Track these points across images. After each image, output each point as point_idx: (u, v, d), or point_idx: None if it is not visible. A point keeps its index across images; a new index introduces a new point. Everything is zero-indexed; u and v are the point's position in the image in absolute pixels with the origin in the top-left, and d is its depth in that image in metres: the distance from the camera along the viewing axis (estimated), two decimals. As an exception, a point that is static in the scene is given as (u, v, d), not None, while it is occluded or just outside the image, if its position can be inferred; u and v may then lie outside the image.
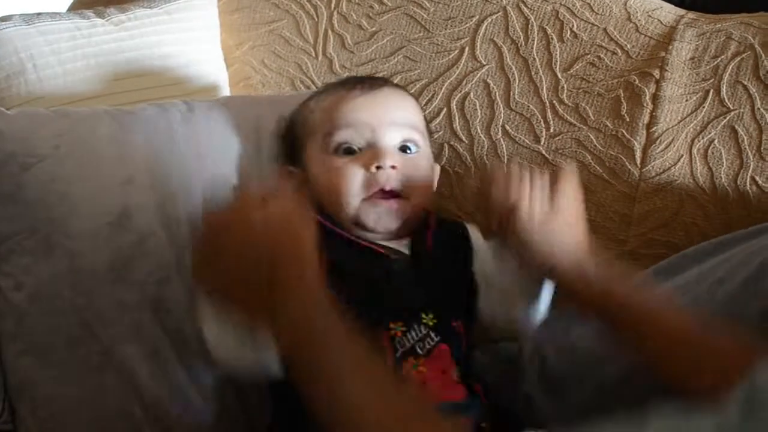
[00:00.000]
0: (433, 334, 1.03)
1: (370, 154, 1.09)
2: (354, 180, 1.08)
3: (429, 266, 1.08)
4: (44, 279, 1.04)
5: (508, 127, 1.28)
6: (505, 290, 1.08)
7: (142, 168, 1.11)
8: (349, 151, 1.10)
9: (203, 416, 1.10)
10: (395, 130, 1.11)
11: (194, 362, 1.10)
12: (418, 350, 1.02)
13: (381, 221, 1.09)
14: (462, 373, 1.04)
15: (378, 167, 1.07)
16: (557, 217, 0.99)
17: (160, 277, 1.09)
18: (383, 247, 1.09)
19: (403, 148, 1.11)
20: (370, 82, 1.15)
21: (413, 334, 1.03)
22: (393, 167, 1.08)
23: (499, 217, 0.99)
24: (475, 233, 1.15)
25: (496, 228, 1.01)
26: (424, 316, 1.04)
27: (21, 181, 1.04)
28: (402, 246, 1.10)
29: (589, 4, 1.28)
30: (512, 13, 1.30)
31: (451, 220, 1.19)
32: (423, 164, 1.13)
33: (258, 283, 0.86)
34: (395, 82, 1.32)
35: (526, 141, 1.27)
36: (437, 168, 1.21)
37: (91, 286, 1.05)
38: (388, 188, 1.08)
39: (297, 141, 1.16)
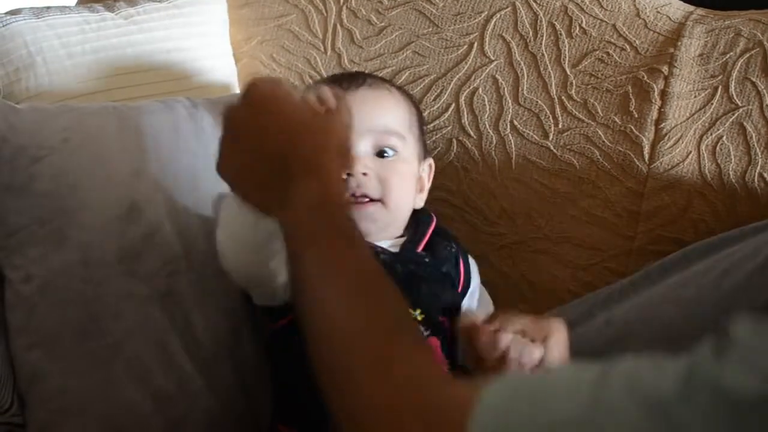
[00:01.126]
0: (422, 328, 1.04)
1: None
2: None
3: (416, 267, 1.09)
4: (54, 271, 1.05)
5: (516, 123, 1.28)
6: None
7: (149, 162, 1.11)
8: None
9: (210, 410, 1.10)
10: (370, 136, 1.11)
11: (202, 355, 1.11)
12: None
13: (359, 225, 1.08)
14: (451, 367, 1.05)
15: (349, 174, 1.07)
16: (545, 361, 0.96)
17: (169, 270, 1.09)
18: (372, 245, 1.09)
19: (380, 153, 1.12)
20: (347, 83, 1.14)
21: None
22: (364, 174, 1.09)
23: (489, 366, 0.95)
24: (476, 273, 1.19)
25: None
26: (411, 311, 1.04)
27: (32, 173, 1.04)
28: (394, 245, 1.11)
29: (597, 0, 1.28)
30: (521, 9, 1.30)
31: (454, 240, 1.18)
32: (401, 167, 1.13)
33: (275, 164, 0.87)
34: (404, 77, 1.32)
35: (535, 137, 1.28)
36: (430, 162, 1.21)
37: (100, 278, 1.06)
38: (358, 194, 1.08)
39: None
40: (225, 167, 0.93)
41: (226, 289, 1.11)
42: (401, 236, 1.14)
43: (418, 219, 1.16)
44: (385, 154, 1.12)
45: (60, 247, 1.04)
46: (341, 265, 0.81)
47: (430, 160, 1.21)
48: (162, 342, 1.08)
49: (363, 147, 1.10)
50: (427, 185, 1.20)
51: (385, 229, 1.11)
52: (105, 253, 1.06)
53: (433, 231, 1.15)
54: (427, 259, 1.11)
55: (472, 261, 1.19)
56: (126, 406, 1.07)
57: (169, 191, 1.12)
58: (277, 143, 0.88)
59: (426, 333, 1.04)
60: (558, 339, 0.98)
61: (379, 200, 1.10)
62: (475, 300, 1.18)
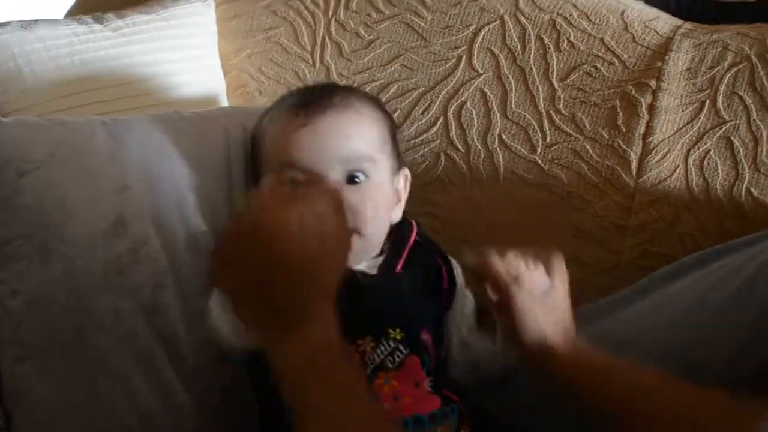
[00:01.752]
0: (401, 347, 1.04)
1: None
2: None
3: (395, 287, 1.09)
4: (40, 285, 1.04)
5: (504, 137, 1.28)
6: (474, 362, 1.12)
7: (137, 176, 1.11)
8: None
9: (195, 425, 1.10)
10: (339, 164, 1.07)
11: (188, 370, 1.10)
12: (389, 364, 1.02)
13: None
14: (436, 384, 1.04)
15: None
16: (553, 293, 1.02)
17: (155, 284, 1.09)
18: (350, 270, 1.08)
19: (351, 179, 1.08)
20: (312, 108, 1.10)
21: (382, 348, 1.03)
22: None
23: (500, 289, 1.01)
24: (459, 272, 1.17)
25: (496, 301, 1.02)
26: (390, 331, 1.04)
27: (17, 187, 1.04)
28: (372, 266, 1.10)
29: (586, 14, 1.29)
30: (509, 23, 1.30)
31: (434, 246, 1.18)
32: (373, 192, 1.09)
33: (278, 296, 0.85)
34: (392, 90, 1.33)
35: (523, 150, 1.28)
36: (406, 173, 1.18)
37: (86, 292, 1.05)
38: None
39: (259, 165, 1.15)
40: (220, 284, 0.92)
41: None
42: (379, 254, 1.12)
43: (397, 231, 1.14)
44: (356, 180, 1.08)
45: (46, 262, 1.04)
46: (350, 405, 0.82)
47: (406, 171, 1.18)
48: (148, 356, 1.08)
49: (333, 176, 1.07)
50: (404, 196, 1.17)
51: (360, 256, 1.09)
52: (91, 267, 1.05)
53: (414, 241, 1.14)
54: (406, 278, 1.10)
55: (455, 263, 1.18)
56: (112, 420, 1.06)
57: (156, 205, 1.11)
58: (276, 274, 0.85)
59: (405, 352, 1.03)
60: (561, 263, 1.04)
61: (354, 230, 1.06)
62: (464, 300, 1.17)
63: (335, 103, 1.10)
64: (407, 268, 1.11)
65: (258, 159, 1.14)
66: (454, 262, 1.17)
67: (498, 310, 1.03)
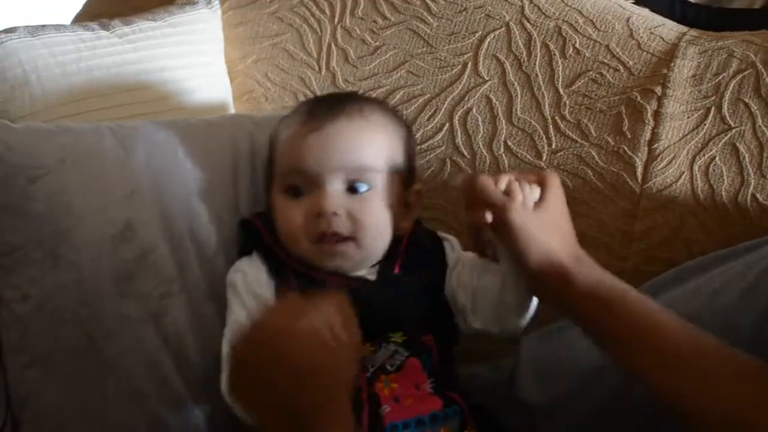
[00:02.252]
0: (402, 350, 1.04)
1: (314, 198, 1.08)
2: (299, 224, 1.08)
3: (395, 291, 1.08)
4: (49, 291, 1.04)
5: (510, 143, 1.29)
6: (494, 302, 1.07)
7: (144, 182, 1.11)
8: (297, 193, 1.09)
9: (203, 429, 1.11)
10: (341, 172, 1.07)
11: (195, 375, 1.11)
12: (388, 367, 1.03)
13: (331, 262, 1.08)
14: (437, 385, 1.05)
15: (319, 214, 1.06)
16: (548, 206, 1.00)
17: (163, 291, 1.09)
18: (346, 277, 1.09)
19: (353, 189, 1.08)
20: (324, 113, 1.10)
21: (382, 351, 1.04)
22: (335, 213, 1.06)
23: (494, 210, 0.99)
24: (452, 248, 1.15)
25: (491, 222, 1.00)
26: (391, 335, 1.05)
27: (28, 193, 1.04)
28: (371, 272, 1.10)
29: (591, 20, 1.29)
30: (515, 29, 1.31)
31: (428, 236, 1.17)
32: (375, 202, 1.09)
33: (294, 408, 0.85)
34: (398, 96, 1.33)
35: (528, 157, 1.28)
36: (417, 188, 1.16)
37: (95, 298, 1.06)
38: (329, 233, 1.06)
39: (270, 169, 1.16)
40: (238, 393, 0.91)
41: (219, 312, 1.12)
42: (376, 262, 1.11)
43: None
44: (359, 190, 1.08)
45: (55, 267, 1.04)
46: None
47: (418, 186, 1.17)
48: (155, 362, 1.08)
49: (335, 184, 1.07)
50: (417, 210, 1.16)
51: (359, 264, 1.10)
52: (100, 273, 1.06)
53: (410, 236, 1.13)
54: (406, 278, 1.10)
55: (450, 242, 1.16)
56: (120, 425, 1.07)
57: (164, 212, 1.12)
58: (293, 381, 0.85)
59: (405, 354, 1.04)
60: (554, 179, 1.02)
61: (352, 238, 1.07)
62: (465, 269, 1.13)
63: (347, 111, 1.11)
64: (407, 267, 1.11)
65: (273, 162, 1.15)
66: (447, 240, 1.16)
67: (496, 231, 1.01)
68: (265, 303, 1.04)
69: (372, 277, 1.10)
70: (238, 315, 1.07)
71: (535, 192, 1.00)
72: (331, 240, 1.07)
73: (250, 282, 1.09)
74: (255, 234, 1.13)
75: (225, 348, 1.04)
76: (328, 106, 1.12)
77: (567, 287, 0.96)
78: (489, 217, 0.99)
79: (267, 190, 1.16)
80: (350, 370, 0.89)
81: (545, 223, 0.99)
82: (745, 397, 0.86)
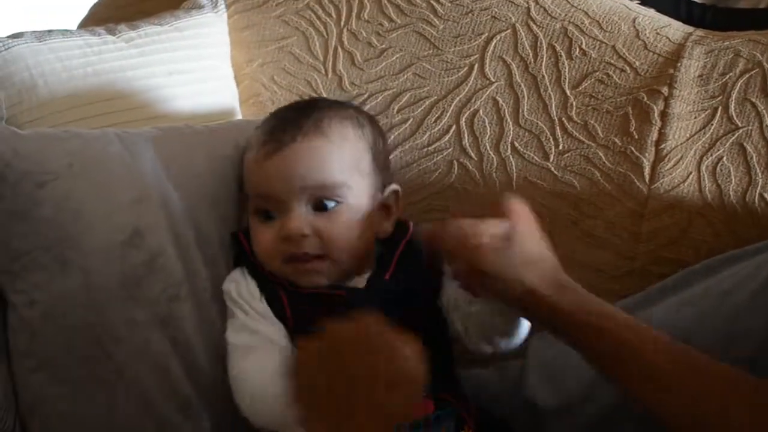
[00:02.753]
0: None
1: (282, 221, 1.08)
2: (270, 245, 1.09)
3: (383, 298, 1.08)
4: (57, 296, 1.05)
5: (517, 144, 1.29)
6: (485, 326, 1.07)
7: (151, 188, 1.12)
8: (267, 216, 1.10)
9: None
10: (307, 193, 1.08)
11: (203, 379, 1.11)
12: None
13: (307, 280, 1.09)
14: (430, 387, 1.04)
15: (287, 237, 1.07)
16: (518, 239, 0.97)
17: (171, 296, 1.09)
18: (336, 287, 1.09)
19: (320, 207, 1.09)
20: (281, 135, 1.10)
21: None
22: (303, 235, 1.07)
23: (465, 262, 0.98)
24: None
25: (466, 276, 1.00)
26: None
27: (36, 199, 1.04)
28: (361, 280, 1.11)
29: (597, 21, 1.29)
30: (521, 31, 1.31)
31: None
32: (345, 216, 1.09)
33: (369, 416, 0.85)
34: (404, 98, 1.33)
35: (535, 158, 1.28)
36: (394, 188, 1.16)
37: (103, 303, 1.06)
38: (299, 253, 1.07)
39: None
40: (301, 398, 0.90)
41: (224, 313, 1.13)
42: (368, 269, 1.12)
43: (389, 238, 1.14)
44: (327, 207, 1.08)
45: (63, 273, 1.05)
46: None
47: (394, 186, 1.17)
48: (163, 367, 1.09)
49: (300, 206, 1.08)
50: (396, 210, 1.16)
51: (339, 276, 1.10)
52: (108, 279, 1.06)
53: (407, 242, 1.13)
54: (395, 285, 1.10)
55: None
56: (128, 430, 1.07)
57: (171, 217, 1.12)
58: (359, 396, 0.86)
59: None
60: (520, 215, 1.00)
61: (323, 256, 1.08)
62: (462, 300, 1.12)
63: (303, 129, 1.10)
64: (400, 273, 1.11)
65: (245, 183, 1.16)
66: None
67: (466, 278, 1.00)
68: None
69: (362, 284, 1.10)
70: (244, 320, 1.09)
71: (501, 228, 0.97)
72: (302, 259, 1.08)
73: (243, 293, 1.10)
74: (242, 249, 1.14)
75: (231, 338, 1.07)
76: (285, 126, 1.11)
77: (553, 315, 0.95)
78: (462, 266, 0.99)
79: (243, 209, 1.18)
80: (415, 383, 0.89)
81: (519, 260, 0.96)
82: (737, 414, 0.85)
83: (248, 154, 1.14)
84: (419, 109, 1.33)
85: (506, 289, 0.96)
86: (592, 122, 1.26)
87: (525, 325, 1.06)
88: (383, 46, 1.36)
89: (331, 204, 1.08)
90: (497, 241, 0.96)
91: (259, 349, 1.06)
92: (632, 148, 1.24)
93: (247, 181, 1.14)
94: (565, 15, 1.30)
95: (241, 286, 1.11)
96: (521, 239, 0.97)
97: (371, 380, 0.85)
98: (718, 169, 1.21)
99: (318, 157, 1.09)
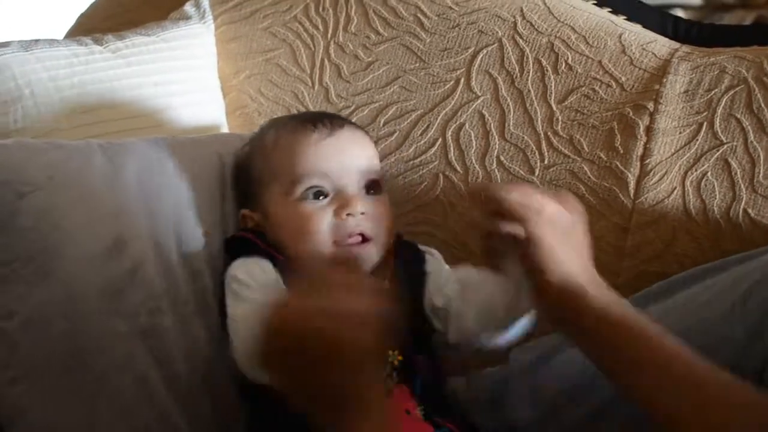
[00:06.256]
0: (394, 374, 1.04)
1: (340, 201, 1.09)
2: (324, 226, 1.09)
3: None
4: (38, 307, 1.04)
5: (502, 158, 1.29)
6: (480, 309, 1.07)
7: (134, 199, 1.11)
8: (318, 197, 1.10)
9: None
10: (360, 175, 1.12)
11: (182, 390, 1.11)
12: None
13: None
14: (428, 411, 1.04)
15: (348, 214, 1.08)
16: (574, 228, 0.96)
17: (152, 307, 1.09)
18: None
19: (368, 192, 1.12)
20: (330, 122, 1.14)
21: None
22: (362, 213, 1.09)
23: (519, 222, 0.93)
24: (434, 261, 1.16)
25: (509, 234, 0.94)
26: (390, 353, 1.04)
27: (16, 209, 1.04)
28: None
29: (584, 36, 1.29)
30: (507, 45, 1.31)
31: (409, 249, 1.17)
32: (385, 205, 1.14)
33: (323, 379, 0.83)
34: (391, 111, 1.33)
35: (521, 172, 1.28)
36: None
37: (84, 314, 1.05)
38: (358, 232, 1.09)
39: (254, 183, 1.16)
40: (268, 362, 0.87)
41: (206, 326, 1.13)
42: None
43: None
44: (372, 192, 1.12)
45: (43, 284, 1.04)
46: None
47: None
48: (143, 377, 1.08)
49: (358, 185, 1.11)
50: None
51: (370, 263, 1.10)
52: (89, 290, 1.05)
53: (393, 250, 1.13)
54: (398, 295, 1.08)
55: (432, 255, 1.17)
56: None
57: (152, 229, 1.12)
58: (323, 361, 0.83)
59: (396, 379, 1.04)
60: (578, 210, 0.98)
61: (371, 240, 1.09)
62: (449, 281, 1.13)
63: (347, 123, 1.17)
64: (395, 284, 1.10)
65: (256, 176, 1.16)
66: (429, 253, 1.17)
67: (513, 244, 0.94)
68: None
69: None
70: (253, 301, 1.05)
71: (563, 212, 0.95)
72: (354, 242, 1.09)
73: (256, 274, 1.07)
74: (249, 244, 1.12)
75: (242, 329, 1.03)
76: (323, 116, 1.16)
77: (584, 308, 0.93)
78: (512, 228, 0.94)
79: (240, 207, 1.18)
80: (380, 345, 0.86)
81: (569, 244, 0.94)
82: (744, 426, 0.85)
83: (283, 140, 1.14)
84: (405, 122, 1.33)
85: (549, 267, 0.93)
86: (577, 137, 1.27)
87: (521, 324, 1.05)
88: (370, 59, 1.36)
89: (378, 190, 1.13)
90: (557, 220, 0.94)
91: (255, 301, 1.04)
92: (617, 163, 1.24)
93: (287, 166, 1.12)
94: (552, 30, 1.30)
95: (253, 268, 1.08)
96: (576, 229, 0.96)
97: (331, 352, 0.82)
98: (702, 184, 1.21)
99: (367, 143, 1.18)
